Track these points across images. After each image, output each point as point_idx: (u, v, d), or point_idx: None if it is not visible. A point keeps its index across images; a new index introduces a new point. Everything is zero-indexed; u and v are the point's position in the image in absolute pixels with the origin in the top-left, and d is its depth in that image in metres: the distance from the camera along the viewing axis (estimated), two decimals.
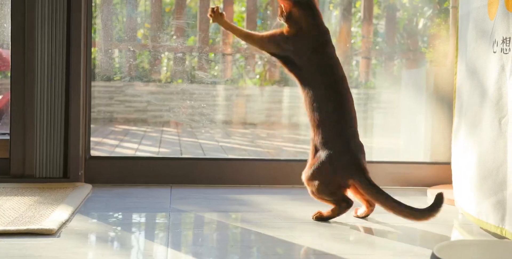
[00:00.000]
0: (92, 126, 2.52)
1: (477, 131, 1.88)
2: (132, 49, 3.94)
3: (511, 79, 1.69)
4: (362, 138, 2.01)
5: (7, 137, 2.36)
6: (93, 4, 2.57)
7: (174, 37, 4.09)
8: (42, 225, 1.68)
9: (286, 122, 4.37)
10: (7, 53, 2.61)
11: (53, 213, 1.84)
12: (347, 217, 1.99)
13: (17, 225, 1.68)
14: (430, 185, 2.52)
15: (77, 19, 2.35)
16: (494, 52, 1.78)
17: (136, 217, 1.98)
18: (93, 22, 2.54)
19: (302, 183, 2.49)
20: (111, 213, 1.98)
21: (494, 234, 1.78)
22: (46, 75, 2.32)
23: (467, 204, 1.94)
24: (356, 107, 2.01)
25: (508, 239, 1.68)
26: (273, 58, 2.02)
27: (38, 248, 1.54)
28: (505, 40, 1.72)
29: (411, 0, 3.29)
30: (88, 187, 2.27)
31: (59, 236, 1.66)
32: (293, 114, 4.41)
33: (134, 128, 4.14)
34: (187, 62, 4.13)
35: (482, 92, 1.85)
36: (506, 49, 1.72)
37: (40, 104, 2.32)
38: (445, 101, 2.68)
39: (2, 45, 2.69)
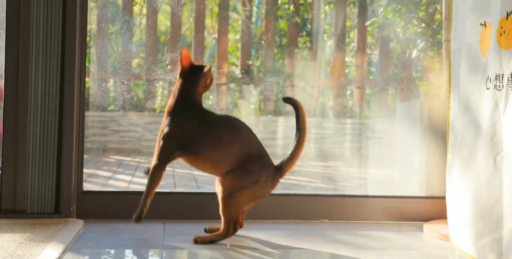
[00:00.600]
0: (85, 156, 2.49)
1: (471, 168, 1.87)
2: (126, 82, 3.93)
3: (505, 116, 1.69)
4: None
5: None
6: (88, 34, 2.58)
7: (169, 66, 4.10)
8: None
9: (280, 153, 4.35)
10: (0, 84, 2.61)
11: (44, 251, 1.81)
12: (338, 255, 1.97)
13: None
14: (426, 220, 2.50)
15: (72, 50, 2.35)
16: (487, 89, 1.78)
17: (129, 255, 1.96)
18: (87, 51, 2.53)
19: (298, 218, 2.48)
20: (103, 250, 1.96)
21: None
22: (40, 108, 2.30)
23: (463, 241, 1.92)
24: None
25: None
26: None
27: None
28: (498, 77, 1.72)
29: (404, 32, 3.30)
30: (79, 223, 2.24)
31: None
32: (288, 144, 4.40)
33: (127, 158, 4.12)
34: None
35: (476, 128, 1.85)
36: (499, 86, 1.72)
37: (32, 137, 2.30)
38: (440, 134, 2.67)
39: None
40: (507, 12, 1.69)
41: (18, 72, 2.31)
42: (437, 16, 3.11)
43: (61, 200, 2.32)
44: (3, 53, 2.33)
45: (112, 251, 1.95)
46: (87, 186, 2.54)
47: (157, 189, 3.06)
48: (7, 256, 1.75)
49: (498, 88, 1.72)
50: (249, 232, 2.25)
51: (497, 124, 1.72)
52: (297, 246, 2.06)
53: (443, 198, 2.33)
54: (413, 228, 2.43)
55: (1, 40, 2.46)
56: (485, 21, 1.81)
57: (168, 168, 2.16)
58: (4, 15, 2.33)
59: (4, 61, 2.33)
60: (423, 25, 3.17)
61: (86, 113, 2.50)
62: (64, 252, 1.87)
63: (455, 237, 2.03)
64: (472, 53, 1.90)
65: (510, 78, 1.68)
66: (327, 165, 4.22)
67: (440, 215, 2.49)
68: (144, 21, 4.41)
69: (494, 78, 1.73)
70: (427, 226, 2.37)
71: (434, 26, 3.08)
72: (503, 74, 1.70)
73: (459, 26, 2.05)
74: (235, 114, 4.42)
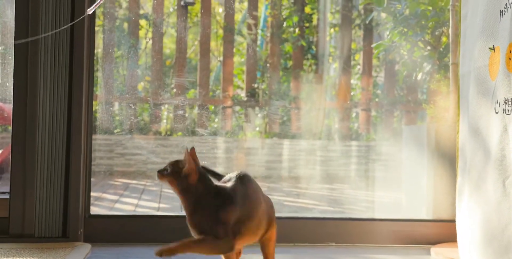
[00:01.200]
0: (92, 179, 2.49)
1: (481, 192, 1.86)
2: (133, 107, 3.95)
3: None
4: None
5: (7, 196, 2.34)
6: (94, 58, 2.59)
7: (174, 90, 4.11)
8: None
9: (286, 175, 4.35)
10: (9, 108, 2.62)
11: None
12: None
13: None
14: (433, 243, 2.49)
15: (79, 75, 2.36)
16: (496, 113, 1.78)
17: None
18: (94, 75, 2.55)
19: (304, 241, 2.47)
20: None
21: None
22: (47, 132, 2.31)
23: None
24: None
25: None
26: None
27: None
28: (506, 101, 1.72)
29: (411, 55, 3.31)
30: (87, 247, 2.24)
31: None
32: (293, 167, 4.41)
33: (134, 181, 4.12)
34: (187, 115, 4.14)
35: (485, 152, 1.85)
36: (508, 110, 1.72)
37: (40, 161, 2.31)
38: (447, 157, 2.67)
39: (5, 101, 2.70)
40: None
41: (26, 96, 2.32)
42: (444, 39, 3.12)
43: (68, 224, 2.32)
44: (12, 79, 2.35)
45: None
46: (93, 210, 2.54)
47: (163, 213, 3.07)
48: None
49: (507, 113, 1.72)
50: (255, 256, 2.24)
51: (506, 148, 1.72)
52: None
53: (451, 221, 2.32)
54: (421, 252, 2.42)
55: (9, 65, 2.48)
56: (493, 45, 1.82)
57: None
58: (13, 40, 2.35)
59: (12, 86, 2.34)
60: (429, 48, 3.18)
61: (93, 136, 2.51)
62: None
63: None
64: (481, 77, 1.90)
65: None
66: (333, 188, 4.21)
67: (447, 238, 2.48)
68: (149, 45, 4.44)
69: (503, 102, 1.73)
70: (434, 250, 2.36)
71: (441, 49, 3.09)
72: None
73: (468, 50, 2.06)
74: (240, 136, 4.43)
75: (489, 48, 1.85)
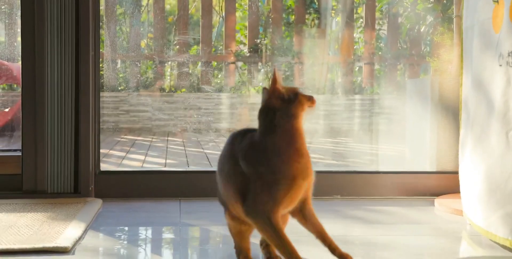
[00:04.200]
0: None
1: (484, 144, 1.89)
2: (138, 65, 3.95)
3: None
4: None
5: (19, 153, 2.38)
6: (99, 15, 2.60)
7: (177, 47, 4.11)
8: (56, 243, 1.70)
9: None
10: (17, 68, 2.64)
11: (66, 229, 1.86)
12: (350, 230, 2.01)
13: (32, 242, 1.70)
14: (437, 194, 2.53)
15: (86, 33, 2.37)
16: (500, 66, 1.80)
17: (148, 233, 2.00)
18: None
19: None
20: (122, 228, 2.00)
21: (503, 246, 1.79)
22: (56, 90, 2.34)
23: (476, 215, 1.96)
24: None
25: None
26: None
27: None
28: (510, 54, 1.74)
29: (414, 8, 3.30)
30: (98, 202, 2.29)
31: (73, 254, 1.67)
32: None
33: (139, 138, 4.16)
34: (190, 71, 4.14)
35: (489, 105, 1.87)
36: (511, 63, 1.74)
37: (50, 119, 2.34)
38: (450, 110, 2.70)
39: (13, 61, 2.72)
40: None
41: (34, 56, 2.34)
42: None
43: (79, 180, 2.37)
44: (19, 43, 2.36)
45: (132, 229, 2.00)
46: (102, 166, 2.58)
47: (172, 168, 3.10)
48: (32, 234, 1.80)
49: (510, 65, 1.74)
50: None
51: (509, 101, 1.75)
52: None
53: (454, 173, 2.36)
54: (424, 203, 2.47)
55: (16, 25, 2.49)
56: None
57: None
58: (19, 2, 2.36)
59: (20, 46, 2.36)
60: (432, 0, 3.17)
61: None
62: (86, 230, 1.91)
63: (468, 212, 2.06)
64: (485, 29, 1.91)
65: None
66: (337, 142, 4.25)
67: (450, 189, 2.52)
68: (151, 1, 4.41)
69: (507, 54, 1.75)
70: (438, 201, 2.40)
71: (444, 1, 3.08)
72: None
73: (471, 3, 2.06)
74: (244, 92, 4.45)
75: (493, 0, 1.86)
